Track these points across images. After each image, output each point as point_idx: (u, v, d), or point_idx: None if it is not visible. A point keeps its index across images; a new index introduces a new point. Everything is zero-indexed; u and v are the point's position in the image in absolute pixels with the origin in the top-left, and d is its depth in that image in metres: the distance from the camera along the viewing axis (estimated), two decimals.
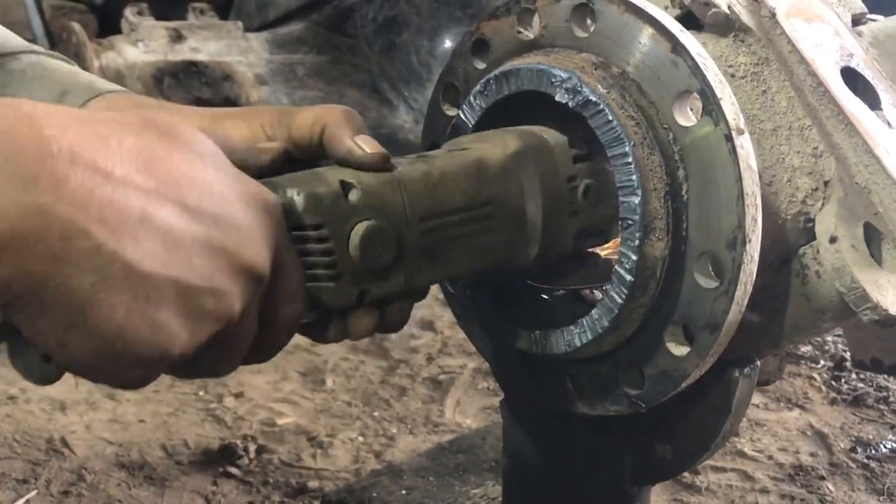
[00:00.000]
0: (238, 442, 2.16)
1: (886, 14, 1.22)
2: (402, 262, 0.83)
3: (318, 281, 0.79)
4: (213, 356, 0.72)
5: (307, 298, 0.78)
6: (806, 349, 2.74)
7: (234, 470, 2.07)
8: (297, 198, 0.78)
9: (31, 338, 0.62)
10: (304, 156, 0.88)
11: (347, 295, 0.80)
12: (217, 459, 2.11)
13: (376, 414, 2.37)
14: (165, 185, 0.64)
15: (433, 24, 3.38)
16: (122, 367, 0.64)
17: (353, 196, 0.80)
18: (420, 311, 2.93)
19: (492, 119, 0.99)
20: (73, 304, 0.60)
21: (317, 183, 0.79)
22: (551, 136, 0.95)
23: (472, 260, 0.90)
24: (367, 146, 0.84)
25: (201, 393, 2.42)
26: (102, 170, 0.61)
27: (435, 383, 2.54)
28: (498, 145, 0.93)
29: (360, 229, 0.80)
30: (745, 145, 0.86)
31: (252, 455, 2.13)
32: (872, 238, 0.95)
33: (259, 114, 0.91)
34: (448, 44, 3.36)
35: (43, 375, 0.67)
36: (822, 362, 2.68)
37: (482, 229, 0.89)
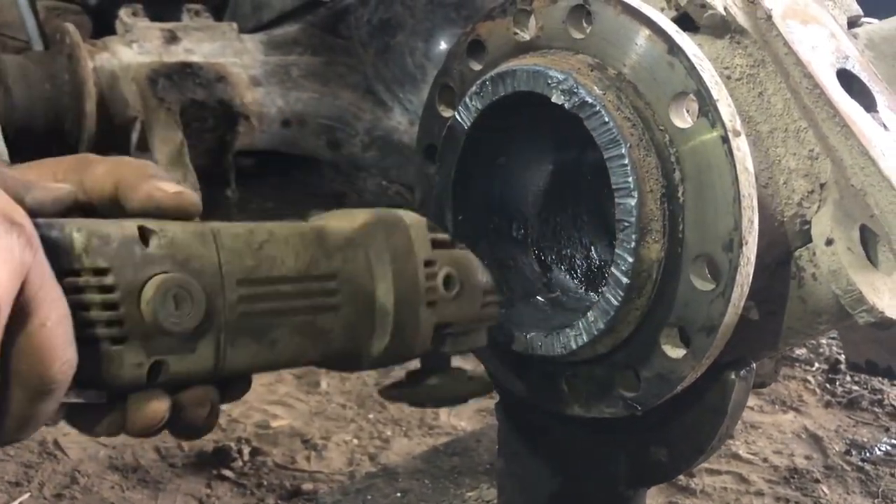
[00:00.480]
0: (232, 444, 2.15)
1: (881, 17, 1.22)
2: (211, 331, 0.68)
3: (98, 343, 0.64)
4: None
5: (73, 359, 0.61)
6: (801, 352, 2.74)
7: (228, 472, 2.07)
8: (77, 234, 0.64)
9: None
10: (105, 213, 0.73)
11: (136, 366, 0.65)
12: (211, 462, 2.10)
13: (371, 416, 2.37)
14: None
15: (428, 25, 3.37)
16: None
17: (153, 243, 0.67)
18: None
19: (488, 121, 0.99)
20: None
21: (108, 225, 0.66)
22: (408, 216, 0.85)
23: (306, 345, 0.75)
24: (169, 188, 0.71)
25: None
26: None
27: None
28: (344, 218, 0.82)
29: (155, 281, 0.66)
30: (741, 147, 0.86)
31: (246, 457, 2.12)
32: (868, 240, 0.95)
33: (58, 161, 0.76)
34: (443, 46, 3.35)
35: None
36: (816, 365, 2.68)
37: (321, 307, 0.76)
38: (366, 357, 0.81)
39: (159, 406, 0.68)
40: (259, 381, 2.49)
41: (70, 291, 0.62)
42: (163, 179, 0.72)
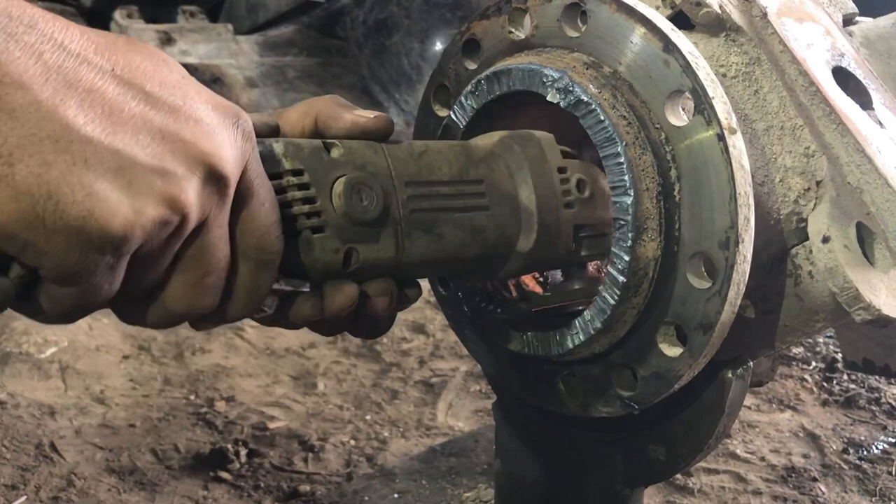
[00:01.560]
0: (229, 446, 2.14)
1: (874, 16, 1.22)
2: (390, 222, 0.79)
3: (300, 234, 0.75)
4: (183, 278, 0.67)
5: (281, 237, 0.73)
6: (797, 350, 2.75)
7: (225, 474, 2.06)
8: (276, 144, 0.75)
9: None
10: None
11: (333, 251, 0.76)
12: (208, 464, 2.10)
13: (368, 417, 2.36)
14: (123, 70, 0.62)
15: (423, 26, 3.38)
16: (54, 238, 0.59)
17: (335, 152, 0.78)
18: (412, 314, 2.92)
19: (483, 120, 0.98)
20: (2, 153, 0.57)
21: (298, 139, 0.78)
22: (538, 133, 0.94)
23: (467, 240, 0.85)
24: (369, 114, 0.83)
25: (192, 397, 2.41)
26: (58, 41, 0.59)
27: (427, 386, 2.53)
28: (483, 137, 0.93)
29: (343, 179, 0.77)
30: (737, 145, 0.85)
31: (243, 459, 2.11)
32: (865, 238, 0.95)
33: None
34: (438, 46, 3.35)
35: (0, 289, 0.61)
36: (813, 363, 2.68)
37: (474, 206, 0.86)
38: (516, 254, 0.90)
39: (351, 290, 0.78)
40: (255, 382, 2.49)
41: (276, 192, 0.73)
42: (358, 108, 0.84)
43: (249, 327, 2.75)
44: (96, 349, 2.57)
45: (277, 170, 0.74)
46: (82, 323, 2.68)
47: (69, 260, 0.60)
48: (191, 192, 0.64)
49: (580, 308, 0.97)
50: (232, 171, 0.67)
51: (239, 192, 0.69)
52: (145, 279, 0.67)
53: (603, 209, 0.94)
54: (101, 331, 2.64)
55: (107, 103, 0.60)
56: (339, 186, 0.76)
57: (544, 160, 0.91)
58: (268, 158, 0.74)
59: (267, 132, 0.81)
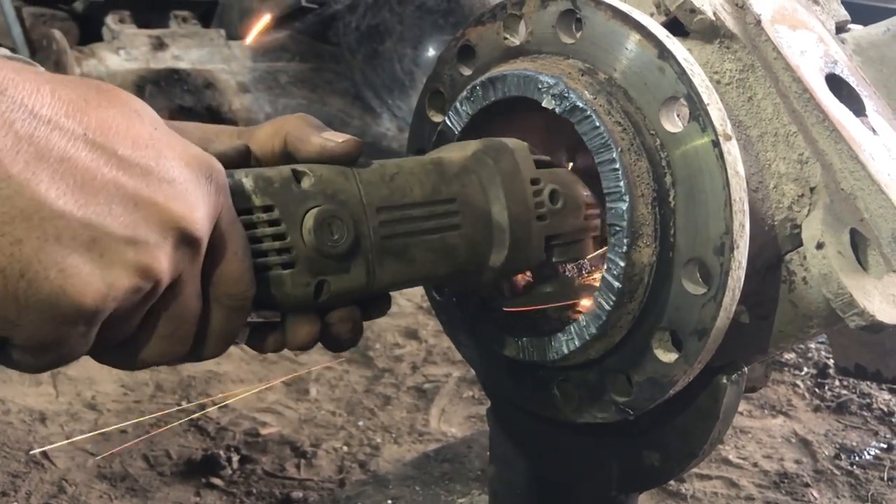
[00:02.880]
0: (221, 452, 2.14)
1: (865, 24, 1.23)
2: (361, 252, 0.80)
3: (271, 269, 0.75)
4: (155, 331, 0.68)
5: (253, 282, 0.73)
6: (789, 356, 2.75)
7: (217, 481, 2.05)
8: (246, 179, 0.75)
9: None
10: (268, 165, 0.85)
11: (304, 285, 0.77)
12: (200, 470, 2.09)
13: (361, 423, 2.36)
14: (94, 133, 0.61)
15: (416, 32, 3.38)
16: (26, 314, 0.59)
17: (306, 182, 0.78)
18: (404, 320, 2.92)
19: (478, 125, 0.98)
20: None
21: (267, 170, 0.78)
22: (511, 141, 0.94)
23: (438, 261, 0.86)
24: (338, 138, 0.82)
25: (184, 403, 2.40)
26: (28, 107, 0.58)
27: (420, 392, 2.53)
28: (455, 149, 0.93)
29: (313, 212, 0.77)
30: (732, 151, 0.86)
31: (235, 465, 2.11)
32: (859, 244, 0.95)
33: (219, 127, 0.87)
34: (431, 52, 3.36)
35: None
36: (805, 369, 2.69)
37: (446, 226, 0.87)
38: (488, 269, 0.90)
39: (312, 327, 0.80)
40: (248, 388, 2.48)
41: (245, 227, 0.73)
42: (328, 130, 0.83)
43: None
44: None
45: (247, 205, 0.74)
46: None
47: (41, 332, 0.61)
48: (163, 259, 0.64)
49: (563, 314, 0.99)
50: (204, 233, 0.67)
51: (212, 242, 0.69)
52: (117, 335, 0.68)
53: (575, 216, 0.96)
54: None
55: (78, 172, 0.60)
56: (309, 220, 0.76)
57: (517, 172, 0.92)
58: (238, 194, 0.73)
59: (237, 158, 0.81)
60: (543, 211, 0.93)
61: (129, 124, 0.64)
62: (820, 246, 0.93)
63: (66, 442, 2.14)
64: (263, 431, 2.28)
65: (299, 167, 0.79)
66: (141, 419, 2.30)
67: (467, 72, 1.03)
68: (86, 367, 2.50)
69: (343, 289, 0.79)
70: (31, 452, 2.12)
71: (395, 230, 0.83)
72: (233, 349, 2.65)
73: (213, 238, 0.69)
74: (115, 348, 0.69)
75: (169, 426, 2.22)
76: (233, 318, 0.74)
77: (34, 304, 0.59)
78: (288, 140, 0.83)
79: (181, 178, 0.65)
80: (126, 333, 0.69)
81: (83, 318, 0.61)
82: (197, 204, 0.66)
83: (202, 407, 2.38)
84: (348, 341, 0.83)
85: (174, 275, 0.67)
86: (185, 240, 0.66)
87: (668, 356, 0.90)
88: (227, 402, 2.37)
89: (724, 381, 0.97)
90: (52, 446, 2.13)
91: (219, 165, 0.70)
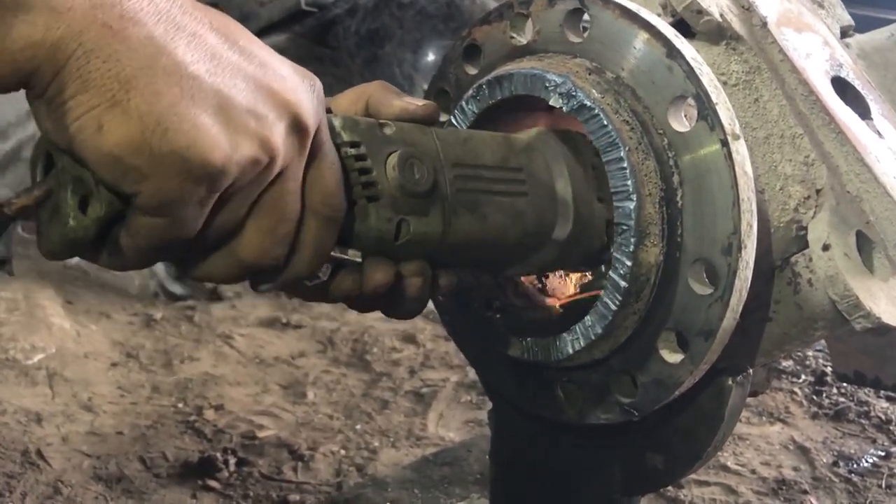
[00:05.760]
0: (218, 455, 2.12)
1: (864, 30, 1.23)
2: (438, 198, 0.83)
3: (356, 203, 0.79)
4: (258, 224, 0.71)
5: (345, 198, 0.77)
6: (787, 363, 2.75)
7: (213, 483, 2.04)
8: (335, 119, 0.80)
9: (69, 122, 0.61)
10: None
11: (386, 221, 0.80)
12: (196, 472, 2.08)
13: (358, 427, 2.35)
14: (218, 25, 0.67)
15: (416, 36, 3.38)
16: (157, 164, 0.63)
17: (388, 130, 0.83)
18: (402, 324, 2.91)
19: (484, 125, 0.98)
20: (119, 80, 0.61)
21: (353, 115, 0.83)
22: (573, 129, 0.97)
23: (508, 223, 0.89)
24: (418, 101, 0.88)
25: (180, 405, 2.39)
26: None
27: (417, 396, 2.52)
28: (520, 132, 0.97)
29: (397, 153, 0.81)
30: (740, 151, 0.86)
31: (232, 468, 2.10)
32: (864, 246, 0.95)
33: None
34: (431, 56, 3.36)
35: (80, 227, 0.65)
36: (803, 377, 2.69)
37: (515, 191, 0.90)
38: (552, 242, 0.93)
39: (387, 272, 0.82)
40: (245, 391, 2.48)
41: None
42: (407, 95, 0.88)
43: (238, 336, 2.74)
44: (84, 356, 2.55)
45: (336, 141, 0.79)
46: (70, 330, 2.66)
47: (168, 186, 0.64)
48: (279, 137, 0.69)
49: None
50: (311, 124, 0.73)
51: (312, 148, 0.74)
52: (224, 223, 0.71)
53: None
54: (88, 338, 2.62)
55: (208, 48, 0.66)
56: (393, 159, 0.81)
57: (579, 155, 0.96)
58: (329, 132, 0.78)
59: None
60: (603, 195, 0.95)
61: (243, 31, 0.71)
62: (826, 248, 0.93)
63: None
64: (260, 434, 2.27)
65: (382, 121, 0.84)
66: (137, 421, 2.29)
67: (473, 71, 1.03)
68: (82, 369, 2.49)
69: (421, 233, 0.83)
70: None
71: (468, 185, 0.86)
72: (228, 351, 2.65)
73: (312, 145, 0.74)
74: (213, 248, 0.72)
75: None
76: (327, 229, 0.77)
77: (167, 155, 0.63)
78: (370, 104, 0.88)
79: (291, 77, 0.72)
80: (231, 224, 0.71)
81: (209, 176, 0.65)
82: (305, 99, 0.72)
83: (199, 410, 2.37)
84: (416, 301, 0.85)
85: (285, 161, 0.71)
86: (296, 126, 0.71)
87: (673, 357, 0.90)
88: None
89: (729, 382, 0.97)
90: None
91: (320, 84, 0.76)
